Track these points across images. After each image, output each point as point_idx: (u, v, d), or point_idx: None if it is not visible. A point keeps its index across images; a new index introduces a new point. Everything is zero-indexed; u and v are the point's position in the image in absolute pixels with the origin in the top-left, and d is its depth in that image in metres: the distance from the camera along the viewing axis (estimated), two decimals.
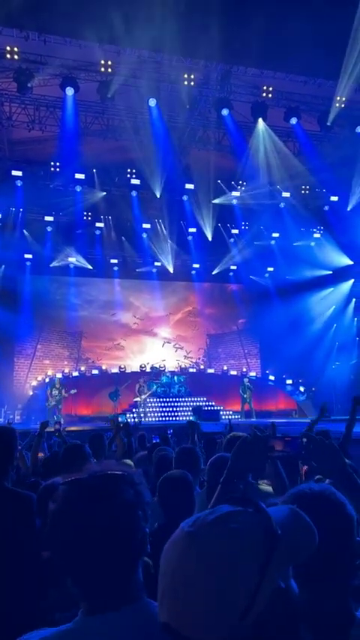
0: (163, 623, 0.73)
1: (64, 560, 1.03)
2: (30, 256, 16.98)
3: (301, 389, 18.61)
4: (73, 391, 15.75)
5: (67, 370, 17.56)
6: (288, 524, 0.77)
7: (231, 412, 16.61)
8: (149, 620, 0.97)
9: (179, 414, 16.61)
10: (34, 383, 17.11)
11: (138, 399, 16.40)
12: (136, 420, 14.89)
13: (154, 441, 5.65)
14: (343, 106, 14.05)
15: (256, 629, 0.70)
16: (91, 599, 1.02)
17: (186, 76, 12.76)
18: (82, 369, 17.75)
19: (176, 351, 18.82)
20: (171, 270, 18.29)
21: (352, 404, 4.65)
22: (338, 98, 13.40)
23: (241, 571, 0.70)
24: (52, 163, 15.52)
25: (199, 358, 19.51)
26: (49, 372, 17.16)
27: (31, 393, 16.85)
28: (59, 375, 16.75)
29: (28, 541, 2.18)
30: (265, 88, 13.57)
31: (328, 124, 13.93)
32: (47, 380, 16.65)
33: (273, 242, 18.43)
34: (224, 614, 0.68)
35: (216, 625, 0.68)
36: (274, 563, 0.71)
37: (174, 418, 16.25)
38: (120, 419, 5.04)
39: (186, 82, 12.90)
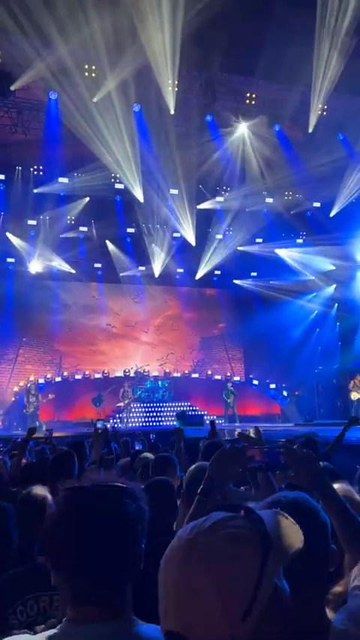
0: (168, 631, 0.75)
1: (59, 565, 1.03)
2: (12, 260, 16.82)
3: (285, 393, 18.73)
4: (50, 396, 15.60)
5: (49, 375, 17.40)
6: (275, 526, 0.81)
7: (215, 417, 16.62)
8: (132, 638, 1.00)
9: (163, 418, 16.58)
10: (16, 388, 16.92)
11: (121, 403, 16.33)
12: (117, 425, 14.84)
13: (136, 448, 5.63)
14: (324, 113, 14.29)
15: (256, 628, 0.72)
16: (79, 608, 1.02)
17: (170, 82, 12.83)
18: (65, 374, 17.61)
19: (165, 363, 18.75)
20: (156, 274, 18.30)
21: (347, 422, 4.71)
22: (320, 106, 13.60)
23: (242, 573, 0.73)
24: (36, 167, 15.44)
25: (195, 361, 19.48)
26: (32, 378, 16.98)
27: (13, 399, 16.65)
28: (41, 381, 16.60)
29: (1, 553, 2.14)
30: (248, 95, 13.71)
31: (310, 130, 14.12)
32: (28, 385, 16.49)
33: (256, 247, 18.56)
34: (228, 615, 0.71)
35: (221, 626, 0.71)
36: (269, 563, 0.74)
37: (158, 423, 16.21)
38: (98, 425, 5.01)
39: (170, 88, 12.97)
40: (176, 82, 12.80)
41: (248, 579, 0.72)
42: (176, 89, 12.96)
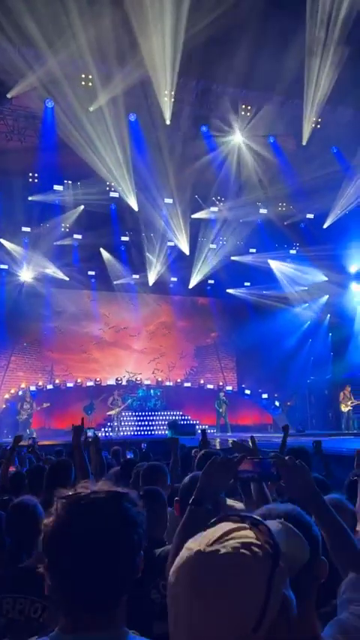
0: None
1: (58, 571, 1.02)
2: (5, 267, 16.78)
3: (277, 403, 18.73)
4: (45, 405, 15.51)
5: (40, 383, 17.31)
6: (282, 536, 0.81)
7: (207, 426, 16.59)
8: None
9: (155, 427, 16.52)
10: (7, 396, 16.80)
11: (112, 412, 16.24)
12: (109, 434, 14.76)
13: (128, 457, 5.59)
14: (319, 126, 14.48)
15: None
16: (74, 616, 1.01)
17: (166, 92, 12.95)
18: (57, 381, 17.52)
19: (156, 371, 18.72)
20: (150, 283, 18.33)
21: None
22: (314, 119, 13.79)
23: (253, 583, 0.73)
24: (31, 174, 15.47)
25: (188, 370, 19.46)
26: (23, 385, 16.88)
27: (4, 406, 16.53)
28: (32, 388, 16.50)
29: None
30: (244, 106, 13.85)
31: (303, 143, 14.28)
32: (20, 393, 16.38)
33: (250, 257, 18.67)
34: (240, 627, 0.71)
35: (232, 638, 0.71)
36: (278, 573, 0.75)
37: (150, 432, 16.14)
38: (89, 433, 4.97)
39: (166, 98, 13.09)
40: (172, 93, 12.91)
41: (259, 590, 0.72)
42: (172, 99, 13.08)
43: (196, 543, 0.78)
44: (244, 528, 0.79)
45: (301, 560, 0.83)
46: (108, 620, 1.01)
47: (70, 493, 1.06)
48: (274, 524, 0.84)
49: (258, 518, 0.81)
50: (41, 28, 10.57)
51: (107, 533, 1.00)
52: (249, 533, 0.78)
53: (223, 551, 0.75)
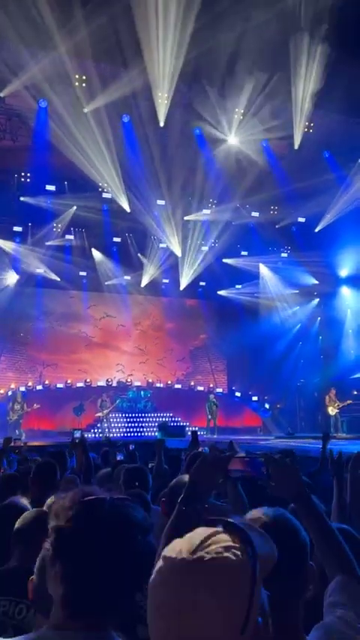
0: None
1: (71, 576, 1.02)
2: None
3: (267, 406, 18.78)
4: (35, 406, 15.42)
5: (30, 383, 17.20)
6: (253, 536, 0.81)
7: (197, 428, 16.59)
8: None
9: (145, 429, 16.47)
10: None
11: (100, 414, 16.16)
12: (99, 435, 14.69)
13: (118, 458, 5.57)
14: (311, 130, 14.56)
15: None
16: (67, 615, 1.02)
17: (160, 94, 12.95)
18: (47, 382, 17.41)
19: (144, 374, 18.70)
20: (141, 284, 18.31)
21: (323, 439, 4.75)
22: (305, 123, 13.88)
23: (239, 585, 0.73)
24: (23, 174, 15.39)
25: (180, 373, 19.45)
26: (13, 385, 16.76)
27: None
28: (22, 389, 16.38)
29: None
30: (237, 110, 13.89)
31: (295, 147, 14.36)
32: (10, 393, 16.26)
33: (241, 260, 18.71)
34: (229, 630, 0.71)
35: None
36: (259, 574, 0.75)
37: (139, 434, 16.10)
38: (75, 434, 4.98)
39: (160, 100, 13.09)
40: (166, 95, 12.91)
41: (244, 592, 0.73)
42: (166, 102, 13.08)
43: (176, 552, 0.77)
44: (220, 532, 0.79)
45: (272, 558, 0.83)
46: (100, 622, 1.03)
47: (88, 498, 1.08)
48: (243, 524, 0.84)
49: (228, 520, 0.81)
50: (34, 27, 10.53)
51: (124, 538, 1.03)
52: (226, 536, 0.78)
53: (207, 557, 0.75)
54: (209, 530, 0.79)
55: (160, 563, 0.79)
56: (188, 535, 0.80)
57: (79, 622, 1.01)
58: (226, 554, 0.75)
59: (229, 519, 0.82)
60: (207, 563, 0.74)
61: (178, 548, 0.78)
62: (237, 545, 0.77)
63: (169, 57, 11.70)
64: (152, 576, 0.79)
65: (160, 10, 10.84)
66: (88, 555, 1.02)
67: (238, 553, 0.76)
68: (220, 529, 0.80)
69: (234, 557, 0.75)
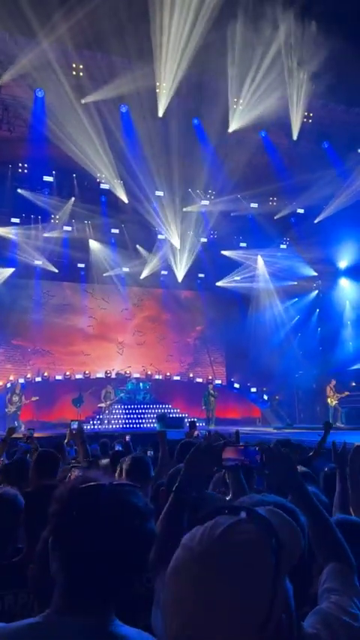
0: None
1: (72, 561, 1.04)
2: None
3: (265, 397, 18.83)
4: (34, 398, 15.44)
5: (29, 375, 17.21)
6: (280, 525, 0.77)
7: (195, 419, 16.64)
8: (110, 636, 1.01)
9: (144, 421, 16.52)
10: None
11: (103, 405, 16.22)
12: (98, 426, 14.73)
13: (116, 449, 5.60)
14: (310, 121, 14.47)
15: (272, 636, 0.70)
16: (70, 599, 1.03)
17: (158, 84, 12.85)
18: (46, 374, 17.43)
19: (143, 366, 18.71)
20: (140, 276, 18.27)
21: (324, 428, 4.74)
22: (303, 113, 13.79)
23: (259, 581, 0.70)
24: (20, 165, 15.29)
25: (181, 364, 19.45)
26: (11, 377, 16.77)
27: None
28: (21, 381, 16.39)
29: None
30: (235, 99, 13.79)
31: (294, 138, 14.27)
32: (8, 385, 16.27)
33: (240, 252, 18.67)
34: (248, 627, 0.68)
35: (240, 638, 0.68)
36: (282, 567, 0.72)
37: (138, 425, 16.15)
38: (73, 425, 5.00)
39: (158, 90, 12.99)
40: (164, 85, 12.81)
41: (265, 586, 0.69)
42: (164, 92, 12.98)
43: (195, 542, 0.75)
44: (243, 521, 0.76)
45: (298, 549, 0.79)
46: (101, 607, 1.04)
47: (91, 483, 1.08)
48: (269, 513, 0.80)
49: (252, 508, 0.78)
50: (31, 15, 10.41)
51: (122, 523, 1.04)
52: (249, 527, 0.75)
53: (228, 549, 0.72)
54: (232, 519, 0.76)
55: (178, 551, 0.77)
56: (209, 523, 0.77)
57: (79, 607, 1.02)
58: (248, 547, 0.72)
59: (252, 508, 0.78)
60: (226, 555, 0.71)
61: (197, 536, 0.75)
62: (260, 536, 0.73)
63: (171, 47, 11.59)
64: (170, 564, 0.77)
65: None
66: (85, 540, 1.02)
67: (261, 546, 0.72)
68: (243, 517, 0.76)
69: (256, 551, 0.72)
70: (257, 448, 1.56)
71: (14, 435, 5.09)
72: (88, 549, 1.02)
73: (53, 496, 1.10)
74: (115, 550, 1.02)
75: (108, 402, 16.19)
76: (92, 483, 1.08)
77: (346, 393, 15.35)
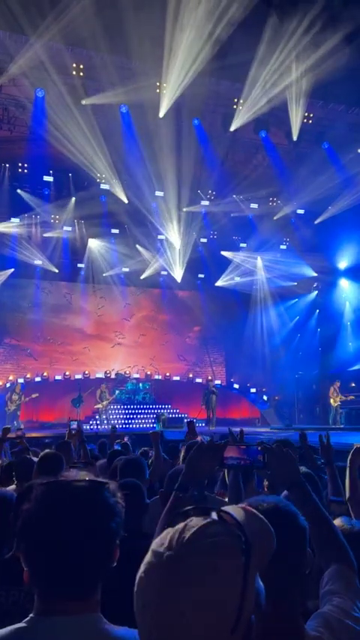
0: None
1: (35, 556, 1.04)
2: None
3: (265, 398, 18.82)
4: (34, 395, 15.43)
5: (29, 375, 17.20)
6: (250, 525, 0.77)
7: (194, 419, 16.60)
8: (98, 634, 1.01)
9: (143, 421, 16.50)
10: None
11: (99, 405, 16.18)
12: (97, 427, 14.72)
13: (115, 448, 5.57)
14: (310, 122, 14.46)
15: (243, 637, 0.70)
16: (50, 601, 1.03)
17: (158, 84, 12.84)
18: (45, 374, 17.42)
19: (142, 366, 18.69)
20: (140, 276, 18.27)
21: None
22: (303, 114, 13.79)
23: (227, 584, 0.69)
24: (20, 165, 15.28)
25: (183, 365, 19.43)
26: (11, 377, 16.77)
27: None
28: (21, 380, 16.39)
29: None
30: (235, 100, 13.78)
31: (294, 138, 14.27)
32: (8, 385, 16.27)
33: (240, 252, 18.66)
34: (217, 631, 0.68)
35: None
36: (251, 569, 0.72)
37: (138, 425, 16.14)
38: (72, 425, 5.01)
39: (158, 90, 12.98)
40: (164, 84, 12.80)
41: (234, 589, 0.69)
42: (165, 92, 12.97)
43: (164, 547, 0.73)
44: (213, 524, 0.75)
45: (270, 550, 0.78)
46: (83, 606, 1.03)
47: (51, 480, 1.08)
48: (236, 512, 0.79)
49: (223, 509, 0.77)
50: (31, 14, 10.39)
51: (86, 520, 1.03)
52: (219, 529, 0.74)
53: (194, 554, 0.71)
54: (201, 522, 0.75)
55: (147, 557, 0.75)
56: (178, 526, 0.76)
57: (59, 609, 1.01)
58: (216, 550, 0.71)
59: (223, 508, 0.78)
60: (192, 558, 0.70)
61: (166, 540, 0.74)
62: (229, 539, 0.73)
63: (173, 48, 11.58)
64: (140, 570, 0.75)
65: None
66: (45, 537, 1.02)
67: (230, 548, 0.71)
68: (213, 519, 0.76)
69: (224, 553, 0.71)
70: (259, 448, 1.56)
71: (9, 435, 5.08)
72: (45, 546, 1.02)
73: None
74: (75, 547, 1.01)
75: (105, 402, 16.16)
76: (52, 480, 1.08)
77: (351, 397, 15.28)
